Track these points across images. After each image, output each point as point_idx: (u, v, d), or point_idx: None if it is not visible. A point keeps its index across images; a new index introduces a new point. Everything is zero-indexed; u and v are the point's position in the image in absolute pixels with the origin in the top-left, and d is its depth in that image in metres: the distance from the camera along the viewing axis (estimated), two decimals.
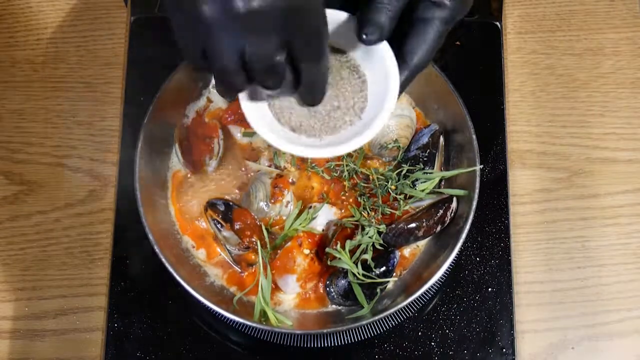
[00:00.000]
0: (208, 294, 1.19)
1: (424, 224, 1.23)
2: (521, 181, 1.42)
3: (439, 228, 1.24)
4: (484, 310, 1.31)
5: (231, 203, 1.27)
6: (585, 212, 1.41)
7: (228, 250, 1.25)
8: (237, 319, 1.17)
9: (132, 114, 1.38)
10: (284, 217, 1.27)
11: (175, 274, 1.18)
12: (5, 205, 1.41)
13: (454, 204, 1.25)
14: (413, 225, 1.23)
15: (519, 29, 1.53)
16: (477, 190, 1.22)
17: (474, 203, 1.21)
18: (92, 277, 1.37)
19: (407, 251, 1.28)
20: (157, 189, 1.29)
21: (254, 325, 1.18)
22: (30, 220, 1.40)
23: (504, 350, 1.29)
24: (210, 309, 1.18)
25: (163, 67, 1.30)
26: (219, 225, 1.26)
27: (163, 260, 1.18)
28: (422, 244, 1.28)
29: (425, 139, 1.29)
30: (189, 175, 1.31)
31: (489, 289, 1.32)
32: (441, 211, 1.24)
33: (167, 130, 1.32)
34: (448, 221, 1.25)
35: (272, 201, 1.26)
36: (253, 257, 1.25)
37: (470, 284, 1.32)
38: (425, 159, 1.28)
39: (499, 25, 1.47)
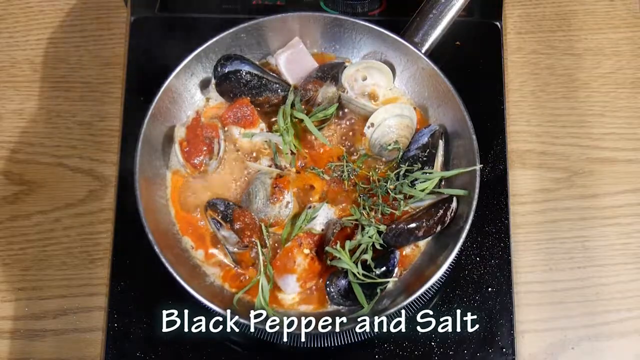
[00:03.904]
0: (208, 294, 1.19)
1: (424, 224, 1.23)
2: (521, 181, 1.42)
3: (439, 228, 1.24)
4: (484, 310, 1.30)
5: (231, 203, 1.27)
6: (585, 212, 1.41)
7: (227, 249, 1.25)
8: (237, 318, 1.17)
9: (132, 114, 1.38)
10: (284, 218, 1.27)
11: (175, 274, 1.18)
12: (5, 205, 1.41)
13: (453, 204, 1.25)
14: (413, 225, 1.23)
15: (519, 29, 1.53)
16: (477, 190, 1.22)
17: (474, 203, 1.21)
18: (92, 277, 1.37)
19: (407, 251, 1.28)
20: (157, 189, 1.29)
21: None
22: (30, 220, 1.40)
23: (504, 350, 1.29)
24: (210, 308, 1.17)
25: (163, 67, 1.30)
26: (218, 225, 1.26)
27: (163, 260, 1.18)
28: (422, 243, 1.28)
29: (425, 139, 1.29)
30: (189, 176, 1.31)
31: (489, 289, 1.32)
32: (441, 211, 1.24)
33: (167, 130, 1.32)
34: (448, 221, 1.25)
35: (272, 201, 1.26)
36: (253, 256, 1.25)
37: (470, 284, 1.32)
38: (424, 158, 1.28)
39: (499, 25, 1.47)
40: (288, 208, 1.27)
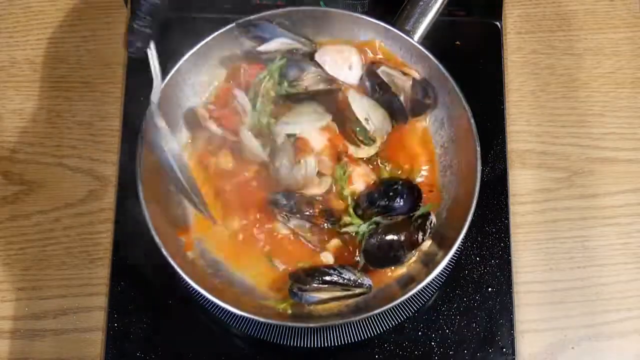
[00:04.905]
0: (212, 292, 1.19)
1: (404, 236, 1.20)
2: (521, 181, 1.42)
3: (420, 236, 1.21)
4: (484, 310, 1.31)
5: (288, 193, 1.23)
6: (585, 212, 1.41)
7: (304, 236, 1.23)
8: (242, 314, 1.16)
9: (132, 114, 1.38)
10: (312, 175, 1.23)
11: (181, 272, 1.16)
12: (5, 205, 1.41)
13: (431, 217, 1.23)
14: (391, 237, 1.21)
15: (519, 29, 1.53)
16: (477, 190, 1.22)
17: (474, 203, 1.21)
18: (92, 277, 1.37)
19: None
20: (158, 188, 1.29)
21: (256, 318, 1.17)
22: (30, 220, 1.40)
23: (504, 350, 1.29)
24: (211, 307, 1.17)
25: (163, 67, 1.30)
26: (286, 219, 1.22)
27: (168, 258, 1.17)
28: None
29: None
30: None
31: (489, 289, 1.32)
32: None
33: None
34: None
35: (296, 163, 1.22)
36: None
37: (470, 284, 1.32)
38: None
39: (499, 25, 1.47)
40: (312, 165, 1.23)
